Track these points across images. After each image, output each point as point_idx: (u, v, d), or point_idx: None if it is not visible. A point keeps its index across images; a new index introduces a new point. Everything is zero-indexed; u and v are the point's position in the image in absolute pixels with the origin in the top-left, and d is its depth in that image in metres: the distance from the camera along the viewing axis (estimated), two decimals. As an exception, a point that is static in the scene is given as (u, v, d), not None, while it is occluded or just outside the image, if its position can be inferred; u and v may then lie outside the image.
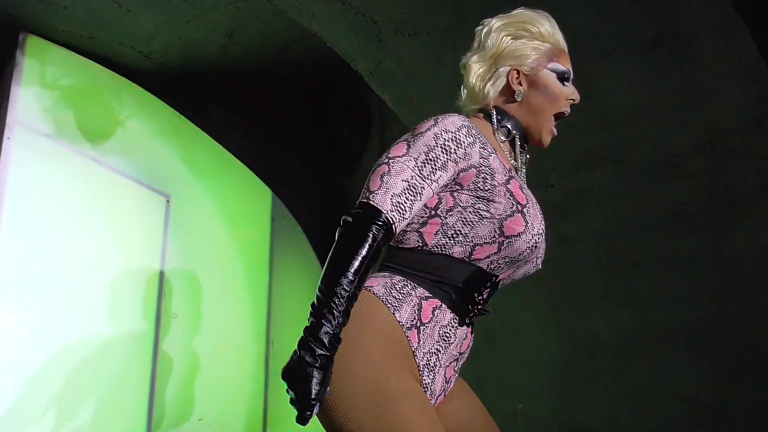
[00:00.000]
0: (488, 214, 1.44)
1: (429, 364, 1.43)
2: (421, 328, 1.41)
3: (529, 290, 3.30)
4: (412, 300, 1.43)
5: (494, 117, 1.56)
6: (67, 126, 3.41)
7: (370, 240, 1.33)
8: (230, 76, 4.23)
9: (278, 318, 4.15)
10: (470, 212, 1.44)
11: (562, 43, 1.62)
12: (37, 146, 3.26)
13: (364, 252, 1.31)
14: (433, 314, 1.44)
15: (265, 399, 3.97)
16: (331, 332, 1.25)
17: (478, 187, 1.44)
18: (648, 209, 2.87)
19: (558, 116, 1.59)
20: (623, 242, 2.98)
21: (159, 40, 3.78)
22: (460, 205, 1.45)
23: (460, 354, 1.51)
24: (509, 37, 1.58)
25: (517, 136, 1.56)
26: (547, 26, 1.59)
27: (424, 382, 1.42)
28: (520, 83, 1.57)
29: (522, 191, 1.47)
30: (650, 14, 2.57)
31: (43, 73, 3.43)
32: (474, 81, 1.58)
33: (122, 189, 3.55)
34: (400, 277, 1.45)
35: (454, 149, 1.42)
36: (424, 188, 1.39)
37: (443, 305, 1.45)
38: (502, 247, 1.44)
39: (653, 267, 2.90)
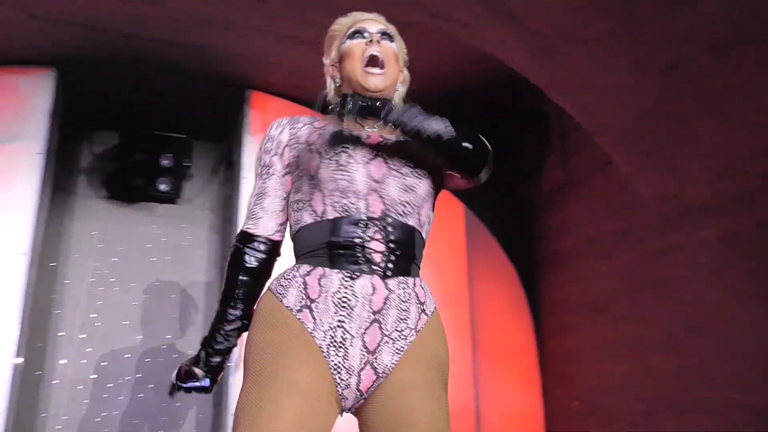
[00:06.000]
0: (302, 172, 1.73)
1: (335, 342, 1.57)
2: (313, 306, 1.59)
3: (733, 282, 3.59)
4: (296, 281, 1.62)
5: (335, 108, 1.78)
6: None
7: (229, 258, 1.74)
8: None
9: (482, 324, 4.84)
10: (296, 181, 1.75)
11: (360, 17, 1.90)
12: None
13: (227, 272, 1.71)
14: (321, 285, 1.59)
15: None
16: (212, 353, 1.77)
17: (295, 158, 1.77)
18: None
19: (371, 63, 1.83)
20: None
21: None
22: (294, 182, 1.77)
23: (377, 313, 1.59)
24: (325, 56, 1.93)
25: (348, 102, 1.72)
26: (344, 20, 1.90)
27: (332, 362, 1.57)
28: (338, 71, 1.88)
29: (321, 137, 1.73)
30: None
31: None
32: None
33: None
34: (291, 265, 1.70)
35: (270, 146, 1.80)
36: (265, 187, 1.77)
37: (326, 270, 1.61)
38: (321, 185, 1.67)
39: None
